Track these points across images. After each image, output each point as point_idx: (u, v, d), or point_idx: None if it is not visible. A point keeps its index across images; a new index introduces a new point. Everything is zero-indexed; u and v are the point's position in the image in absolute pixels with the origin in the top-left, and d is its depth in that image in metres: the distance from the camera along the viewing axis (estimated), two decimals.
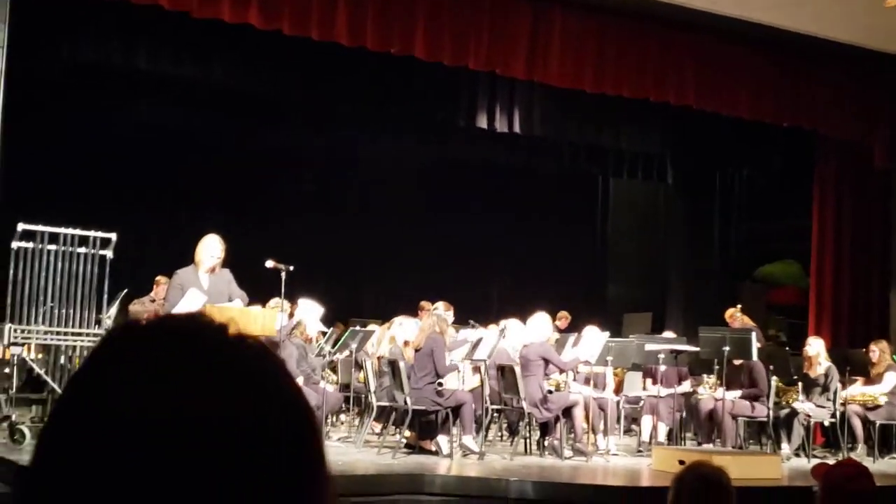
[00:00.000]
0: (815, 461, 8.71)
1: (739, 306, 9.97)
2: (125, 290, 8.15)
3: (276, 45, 8.96)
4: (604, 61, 9.55)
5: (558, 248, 13.93)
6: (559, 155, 12.48)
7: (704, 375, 9.08)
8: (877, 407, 9.03)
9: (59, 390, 6.91)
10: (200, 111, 10.98)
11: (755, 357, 8.53)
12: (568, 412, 7.98)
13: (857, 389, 9.18)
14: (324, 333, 9.17)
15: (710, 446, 8.54)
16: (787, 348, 9.87)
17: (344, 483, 5.83)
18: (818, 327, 11.12)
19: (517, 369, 7.81)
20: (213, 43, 9.19)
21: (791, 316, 12.54)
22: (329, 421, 9.10)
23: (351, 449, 7.83)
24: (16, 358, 6.90)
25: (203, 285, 6.39)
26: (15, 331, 6.76)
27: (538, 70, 9.38)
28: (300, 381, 6.70)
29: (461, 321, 9.18)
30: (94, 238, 7.11)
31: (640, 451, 8.71)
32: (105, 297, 7.17)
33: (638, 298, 13.89)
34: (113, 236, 7.14)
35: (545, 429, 8.16)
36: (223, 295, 6.39)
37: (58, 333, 6.94)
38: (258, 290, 7.07)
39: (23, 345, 6.85)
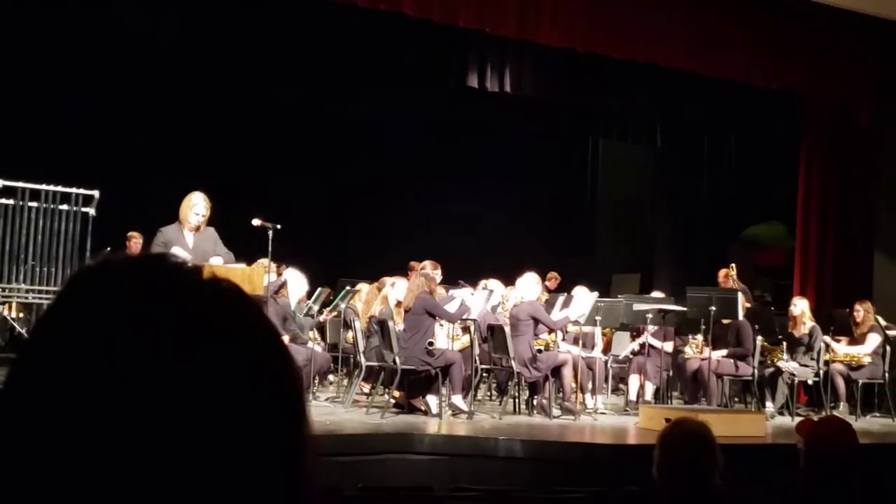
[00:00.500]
0: (798, 419, 8.83)
1: (733, 265, 9.97)
2: (108, 249, 8.06)
3: (265, 2, 8.80)
4: (595, 21, 9.46)
5: (548, 208, 13.90)
6: (549, 116, 12.41)
7: (690, 336, 9.13)
8: (860, 366, 9.12)
9: None
10: (187, 68, 10.82)
11: (741, 317, 8.58)
12: (556, 372, 8.02)
13: (841, 349, 9.26)
14: (310, 295, 9.13)
15: (695, 405, 8.60)
16: (773, 308, 9.92)
17: (333, 443, 5.83)
18: (803, 288, 11.19)
19: (507, 329, 7.81)
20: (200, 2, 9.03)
21: (776, 277, 12.60)
22: (317, 381, 9.09)
23: (339, 409, 7.84)
24: None
25: (188, 244, 6.32)
26: None
27: (529, 29, 9.27)
28: (285, 340, 6.67)
29: (450, 281, 9.16)
30: (77, 195, 7.01)
31: (626, 410, 8.78)
32: (88, 254, 7.07)
33: (626, 259, 13.92)
34: (96, 193, 7.04)
35: (534, 388, 8.20)
36: (208, 254, 6.32)
37: (40, 292, 6.86)
38: (245, 249, 6.99)
39: (4, 303, 6.77)
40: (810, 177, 11.53)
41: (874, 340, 9.15)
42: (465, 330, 8.47)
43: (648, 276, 13.13)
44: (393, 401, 7.86)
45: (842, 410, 8.79)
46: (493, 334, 8.02)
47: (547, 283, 10.53)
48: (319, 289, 9.17)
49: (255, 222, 6.78)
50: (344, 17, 9.32)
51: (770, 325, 9.12)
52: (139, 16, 9.12)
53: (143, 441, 0.58)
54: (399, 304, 7.99)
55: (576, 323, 8.41)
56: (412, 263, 9.73)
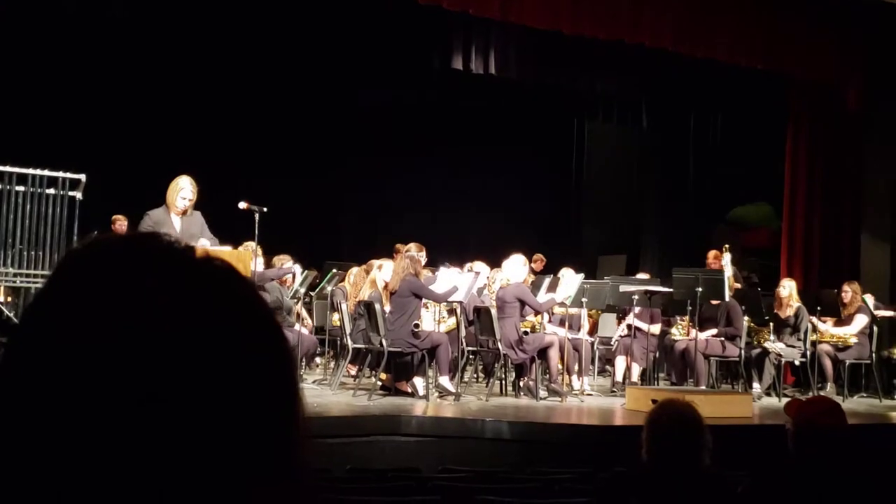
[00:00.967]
0: (786, 400, 8.90)
1: (727, 246, 9.97)
2: (95, 233, 8.01)
3: None
4: (580, 2, 9.42)
5: (533, 190, 13.90)
6: (535, 98, 12.39)
7: (678, 317, 9.17)
8: (847, 347, 9.19)
9: None
10: (172, 52, 10.73)
11: (727, 297, 8.63)
12: (543, 353, 8.04)
13: (828, 330, 9.32)
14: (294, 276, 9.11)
15: (682, 386, 8.65)
16: (759, 289, 9.97)
17: (320, 425, 5.84)
18: (790, 269, 11.25)
19: (493, 311, 7.83)
20: None
21: (763, 258, 12.66)
22: (304, 364, 9.10)
23: (326, 391, 7.85)
24: None
25: (175, 227, 6.29)
26: None
27: (514, 11, 9.24)
28: None
29: (436, 264, 9.16)
30: (64, 179, 6.95)
31: (613, 392, 8.83)
32: (75, 238, 7.03)
33: (612, 241, 13.96)
34: (83, 177, 6.99)
35: (520, 370, 8.23)
36: (195, 238, 6.29)
37: (27, 276, 6.82)
38: (232, 232, 6.97)
39: None
40: (797, 157, 11.57)
41: (861, 321, 9.22)
42: (451, 312, 8.48)
43: (634, 257, 13.17)
44: (380, 383, 7.88)
45: (829, 391, 8.86)
46: (480, 316, 8.04)
47: (532, 264, 10.55)
48: (306, 271, 9.16)
49: (242, 205, 6.75)
50: (330, 2, 9.26)
51: (757, 305, 9.18)
52: (126, 2, 9.04)
53: (139, 421, 0.57)
54: (386, 285, 8.00)
55: (562, 305, 8.43)
56: (397, 246, 9.72)
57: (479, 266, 8.73)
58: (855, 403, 8.75)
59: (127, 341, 0.58)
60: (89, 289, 0.60)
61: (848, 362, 9.13)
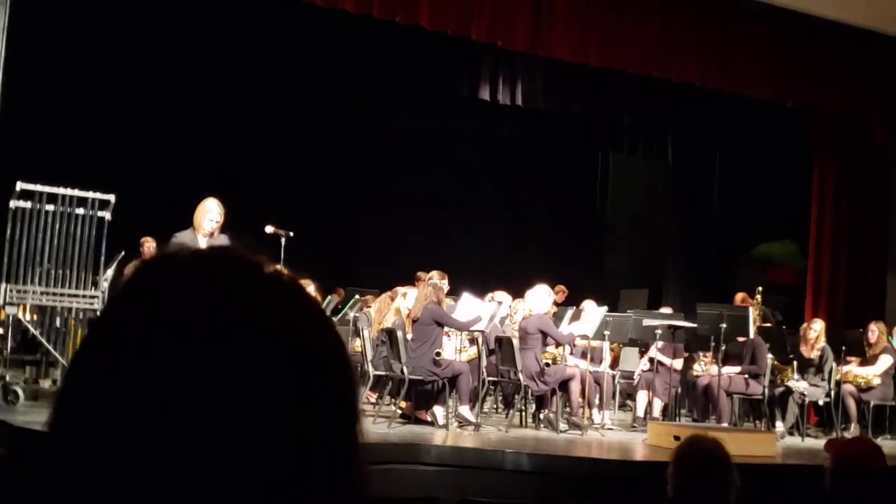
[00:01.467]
0: (809, 440, 8.79)
1: (760, 289, 9.89)
2: (122, 253, 8.08)
3: (281, 10, 8.85)
4: (608, 36, 9.47)
5: (557, 221, 13.90)
6: (560, 129, 12.43)
7: (701, 353, 9.09)
8: (870, 388, 9.07)
9: (53, 351, 6.86)
10: (203, 75, 10.88)
11: (752, 335, 8.55)
12: (564, 386, 7.99)
13: (852, 369, 9.21)
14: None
15: (705, 423, 8.56)
16: (784, 327, 9.88)
17: None
18: (815, 307, 11.15)
19: (515, 342, 7.80)
20: (218, 6, 9.09)
21: (788, 295, 12.55)
22: None
23: None
24: (11, 318, 6.84)
25: None
26: (11, 291, 6.69)
27: (541, 44, 9.30)
28: None
29: (459, 293, 9.15)
30: (93, 199, 7.02)
31: (634, 427, 8.75)
32: (102, 258, 7.09)
33: (635, 274, 13.90)
34: (112, 198, 7.05)
35: (541, 402, 8.17)
36: None
37: (54, 294, 6.86)
38: (261, 252, 7.00)
39: (18, 305, 6.77)
40: (823, 193, 11.50)
41: (886, 361, 9.10)
42: (473, 342, 8.46)
43: (657, 291, 13.10)
44: (400, 411, 7.85)
45: (852, 432, 8.73)
46: (501, 346, 8.01)
47: (555, 296, 10.53)
48: (330, 296, 9.19)
49: (269, 230, 6.80)
50: (360, 29, 9.36)
51: (781, 344, 9.08)
52: (153, 22, 9.19)
53: (214, 431, 0.58)
54: (409, 313, 8.00)
55: (584, 337, 8.39)
56: (419, 274, 9.74)
57: (501, 296, 8.72)
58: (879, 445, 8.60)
59: (197, 354, 0.59)
60: (163, 301, 0.61)
61: (872, 403, 9.01)
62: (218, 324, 0.59)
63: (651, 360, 8.89)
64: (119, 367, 0.59)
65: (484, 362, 8.18)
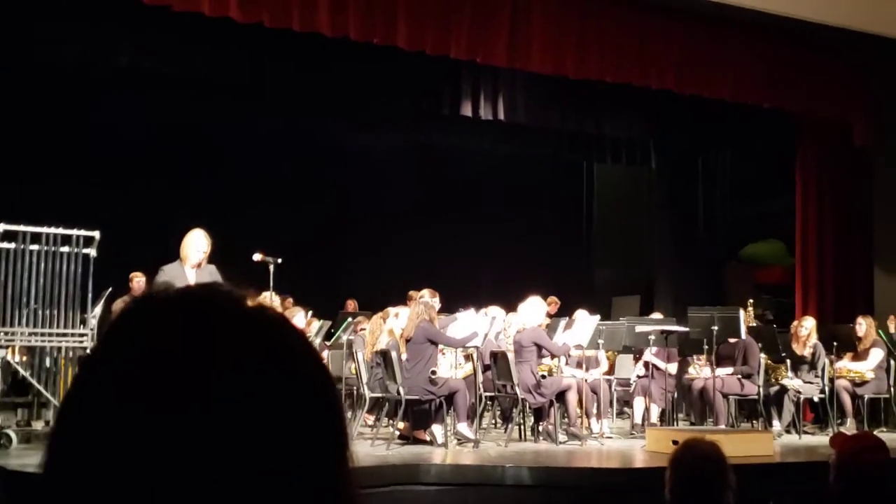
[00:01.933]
0: (806, 437, 8.80)
1: (752, 301, 9.92)
2: (109, 289, 8.05)
3: (258, 37, 8.89)
4: (585, 47, 9.52)
5: (544, 234, 13.93)
6: (543, 142, 12.49)
7: (695, 356, 9.11)
8: (864, 382, 9.10)
9: (44, 392, 6.81)
10: (182, 104, 10.88)
11: (744, 335, 8.58)
12: (561, 397, 7.98)
13: (845, 365, 9.24)
14: (310, 323, 9.12)
15: (702, 426, 8.56)
16: (775, 326, 9.92)
17: None
18: (805, 305, 11.19)
19: (510, 356, 7.80)
20: (193, 35, 9.12)
21: (777, 294, 12.60)
22: None
23: None
24: (0, 361, 6.80)
25: (189, 281, 6.32)
26: None
27: (520, 57, 9.34)
28: None
29: (450, 309, 9.15)
30: (77, 236, 7.00)
31: (632, 434, 8.74)
32: (90, 296, 7.06)
33: (625, 282, 13.93)
34: (96, 234, 7.03)
35: (539, 414, 8.16)
36: None
37: (42, 335, 6.83)
38: (245, 284, 6.98)
39: (7, 347, 6.73)
40: (807, 193, 11.58)
41: (877, 355, 9.14)
42: (468, 358, 8.45)
43: (648, 297, 13.13)
44: (398, 432, 7.82)
45: (848, 426, 8.75)
46: (497, 361, 8.00)
47: (547, 307, 10.53)
48: (320, 322, 9.16)
49: (256, 257, 6.79)
50: (338, 50, 9.39)
51: (773, 343, 9.11)
52: (132, 54, 9.20)
53: (206, 468, 0.59)
54: (402, 333, 7.98)
55: (578, 347, 8.40)
56: (410, 293, 9.73)
57: (495, 311, 8.71)
58: None
59: (186, 391, 0.60)
60: (149, 340, 0.62)
61: (867, 397, 9.04)
62: (204, 360, 0.60)
63: (646, 364, 8.89)
64: (110, 408, 0.60)
65: (480, 378, 8.16)
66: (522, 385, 7.74)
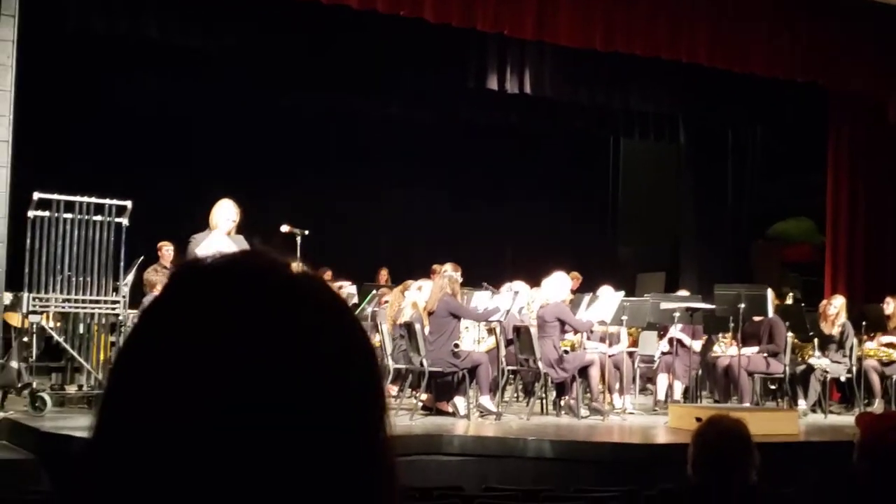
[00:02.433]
0: (832, 416, 8.77)
1: (792, 294, 9.82)
2: (141, 258, 8.16)
3: (286, 9, 8.89)
4: (614, 19, 9.43)
5: (570, 209, 13.88)
6: (570, 116, 12.40)
7: (720, 334, 9.07)
8: (893, 362, 9.03)
9: (77, 357, 6.95)
10: (213, 77, 10.93)
11: (771, 314, 8.54)
12: (584, 372, 8.01)
13: (876, 346, 9.17)
14: None
15: (727, 404, 8.56)
16: (802, 305, 9.85)
17: None
18: (834, 284, 11.10)
19: (533, 330, 7.83)
20: (222, 9, 9.15)
21: (805, 273, 12.50)
22: None
23: None
24: (35, 326, 6.94)
25: (221, 248, 6.40)
26: (33, 299, 6.78)
27: (548, 30, 9.28)
28: None
29: (474, 284, 9.18)
30: (110, 206, 7.10)
31: (655, 410, 8.75)
32: (122, 264, 7.17)
33: (650, 258, 13.87)
34: (129, 204, 7.13)
35: (561, 389, 8.20)
36: None
37: (75, 301, 6.95)
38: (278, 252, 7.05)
39: (41, 313, 6.86)
40: (838, 171, 11.43)
41: None
42: (491, 332, 8.49)
43: (674, 274, 13.07)
44: (421, 404, 7.90)
45: (876, 407, 8.71)
46: (519, 335, 8.03)
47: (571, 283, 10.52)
48: (345, 294, 9.24)
49: (284, 229, 6.85)
50: (366, 24, 9.39)
51: (801, 322, 9.05)
52: (162, 27, 9.25)
53: (258, 432, 0.60)
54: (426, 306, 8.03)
55: (602, 323, 8.41)
56: (435, 266, 9.76)
57: (519, 285, 8.73)
58: None
59: (238, 356, 0.61)
60: (200, 307, 0.63)
61: (894, 377, 8.97)
62: (255, 324, 0.62)
63: (671, 340, 8.88)
64: (162, 373, 0.61)
65: (503, 352, 8.20)
66: (545, 360, 7.78)
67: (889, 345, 9.14)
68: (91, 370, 6.97)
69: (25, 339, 6.95)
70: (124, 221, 7.10)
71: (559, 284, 8.16)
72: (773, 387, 9.23)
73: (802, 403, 8.76)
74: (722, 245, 12.91)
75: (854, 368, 8.88)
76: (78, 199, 6.98)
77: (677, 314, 8.49)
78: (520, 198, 13.41)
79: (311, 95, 11.60)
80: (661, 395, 8.98)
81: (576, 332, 8.40)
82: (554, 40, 9.55)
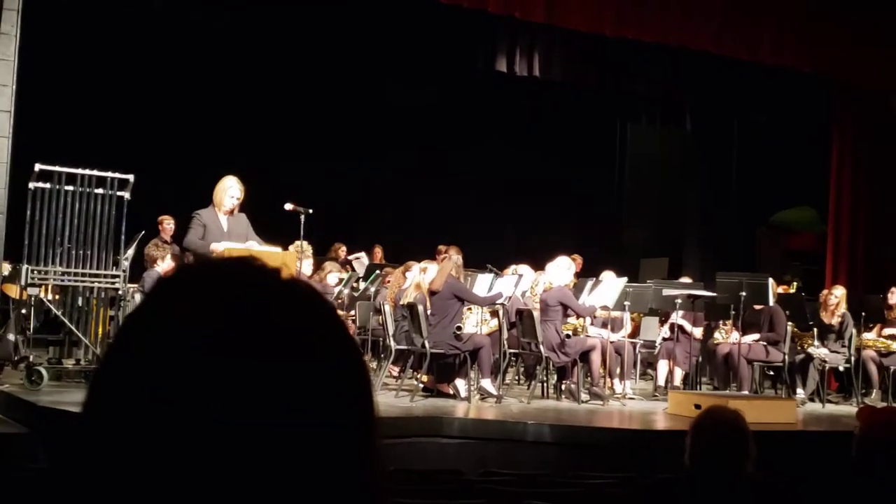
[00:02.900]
0: (830, 406, 8.78)
1: (796, 283, 9.79)
2: (142, 232, 8.14)
3: None
4: (623, 5, 9.39)
5: (575, 192, 13.85)
6: (578, 99, 12.35)
7: (721, 321, 9.07)
8: (891, 353, 9.03)
9: (76, 331, 6.93)
10: (219, 54, 10.88)
11: (772, 302, 8.52)
12: (585, 356, 8.01)
13: (871, 336, 9.17)
14: (341, 280, 9.21)
15: (726, 391, 8.56)
16: (803, 294, 9.84)
17: None
18: (835, 273, 11.09)
19: (536, 314, 7.82)
20: None
21: (807, 262, 12.48)
22: None
23: None
24: (33, 299, 6.91)
25: (223, 227, 6.38)
26: (32, 272, 6.74)
27: (558, 13, 9.24)
28: None
29: (478, 266, 9.17)
30: (112, 179, 7.06)
31: (655, 396, 8.77)
32: (122, 238, 7.14)
33: (654, 244, 13.85)
34: (131, 177, 7.09)
35: (562, 373, 8.20)
36: (242, 237, 6.37)
37: (75, 275, 6.92)
38: (277, 233, 7.03)
39: (40, 286, 6.83)
40: (842, 160, 11.41)
41: None
42: (494, 314, 8.48)
43: (677, 260, 13.06)
44: (422, 385, 7.90)
45: (874, 398, 8.71)
46: (522, 319, 8.03)
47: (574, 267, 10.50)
48: (348, 273, 9.23)
49: (288, 207, 6.81)
50: (375, 2, 9.32)
51: (801, 311, 9.05)
52: (169, 1, 9.19)
53: (237, 435, 0.61)
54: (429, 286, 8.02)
55: (604, 308, 8.40)
56: (440, 247, 9.76)
57: (524, 269, 8.72)
58: None
59: (226, 350, 0.62)
60: (186, 310, 0.64)
61: (892, 368, 8.97)
62: (241, 327, 0.63)
63: (672, 326, 8.88)
64: (154, 359, 0.63)
65: (505, 335, 8.20)
66: (547, 343, 7.78)
67: (890, 336, 9.13)
68: (89, 344, 6.96)
69: (24, 311, 6.93)
70: (126, 195, 7.07)
71: (563, 268, 8.15)
72: (770, 373, 9.23)
73: (801, 392, 8.77)
74: (726, 232, 12.89)
75: (853, 359, 8.88)
76: (80, 171, 6.94)
77: (679, 301, 8.48)
78: (525, 180, 13.36)
79: (318, 75, 11.54)
80: (661, 381, 8.99)
81: (578, 316, 8.39)
82: (564, 24, 9.49)
